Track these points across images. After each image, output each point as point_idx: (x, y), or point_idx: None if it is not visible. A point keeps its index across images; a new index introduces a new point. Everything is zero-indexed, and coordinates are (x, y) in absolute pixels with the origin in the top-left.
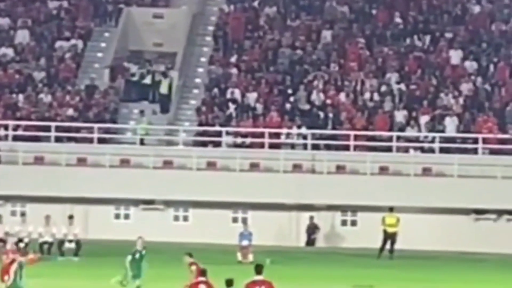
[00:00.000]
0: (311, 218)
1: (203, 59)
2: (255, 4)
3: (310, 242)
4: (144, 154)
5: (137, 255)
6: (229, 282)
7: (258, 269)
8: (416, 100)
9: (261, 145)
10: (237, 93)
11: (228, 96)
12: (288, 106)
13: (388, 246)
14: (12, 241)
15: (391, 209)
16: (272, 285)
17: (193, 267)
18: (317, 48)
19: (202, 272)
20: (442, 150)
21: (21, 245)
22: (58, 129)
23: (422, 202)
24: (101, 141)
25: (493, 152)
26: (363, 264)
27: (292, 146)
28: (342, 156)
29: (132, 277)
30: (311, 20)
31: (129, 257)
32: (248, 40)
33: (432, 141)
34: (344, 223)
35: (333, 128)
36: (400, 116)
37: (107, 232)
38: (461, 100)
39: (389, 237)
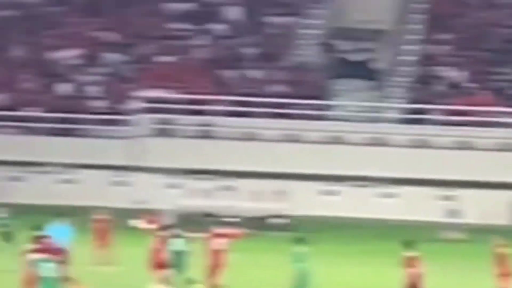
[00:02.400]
0: None
1: (413, 37)
2: None
3: None
4: (354, 131)
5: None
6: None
7: None
8: None
9: (472, 123)
10: (448, 71)
11: (439, 73)
12: (500, 84)
13: None
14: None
15: None
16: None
17: None
18: None
19: None
20: None
21: (232, 220)
22: (269, 105)
23: None
24: (311, 117)
25: None
26: None
27: (504, 125)
28: None
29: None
30: None
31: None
32: (459, 18)
33: None
34: None
35: None
36: None
37: (316, 208)
38: None
39: None
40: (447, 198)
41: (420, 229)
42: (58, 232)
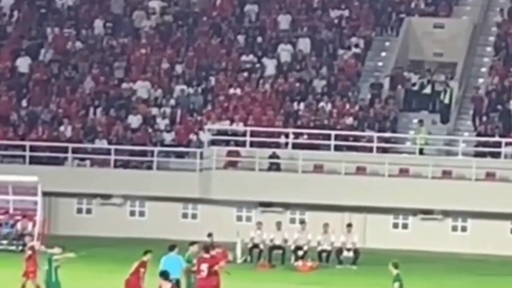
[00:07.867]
0: None
1: (483, 69)
2: None
3: None
4: (423, 164)
5: None
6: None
7: None
8: None
9: None
10: None
11: (509, 107)
12: None
13: None
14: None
15: None
16: None
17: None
18: None
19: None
20: None
21: (300, 252)
22: (337, 137)
23: None
24: (380, 150)
25: None
26: None
27: None
28: None
29: None
30: None
31: None
32: None
33: None
34: None
35: None
36: None
37: (385, 241)
38: None
39: None
40: None
41: (492, 264)
42: (173, 265)
